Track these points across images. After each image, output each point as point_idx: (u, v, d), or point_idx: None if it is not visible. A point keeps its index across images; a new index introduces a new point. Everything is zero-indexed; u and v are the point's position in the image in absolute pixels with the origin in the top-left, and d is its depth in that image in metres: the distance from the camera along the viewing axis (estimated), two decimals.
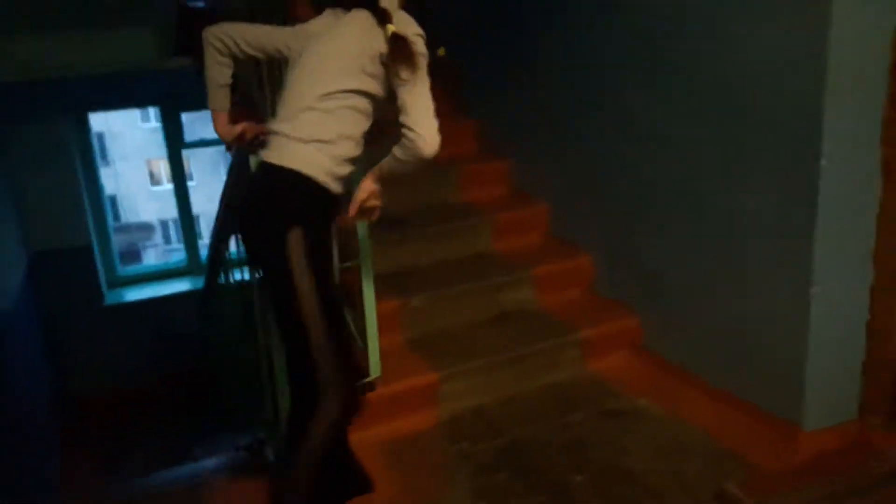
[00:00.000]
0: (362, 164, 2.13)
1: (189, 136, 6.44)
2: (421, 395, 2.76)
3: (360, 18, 1.94)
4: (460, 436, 2.68)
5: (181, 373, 5.83)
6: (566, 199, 3.51)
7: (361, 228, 2.48)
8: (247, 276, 2.76)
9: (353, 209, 2.09)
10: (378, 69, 1.92)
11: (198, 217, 7.00)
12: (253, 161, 2.31)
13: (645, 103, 2.85)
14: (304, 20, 2.11)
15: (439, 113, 1.88)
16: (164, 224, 21.95)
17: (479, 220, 3.55)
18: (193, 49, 2.22)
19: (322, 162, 1.91)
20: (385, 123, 1.99)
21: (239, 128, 2.24)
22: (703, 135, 2.57)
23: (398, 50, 1.86)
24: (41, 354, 5.27)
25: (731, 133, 2.44)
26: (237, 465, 3.23)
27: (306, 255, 1.89)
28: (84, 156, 6.00)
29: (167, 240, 21.95)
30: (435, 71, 1.95)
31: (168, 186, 6.48)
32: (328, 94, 1.90)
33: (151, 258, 20.71)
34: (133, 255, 20.10)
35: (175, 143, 6.23)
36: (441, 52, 1.94)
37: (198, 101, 2.19)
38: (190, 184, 6.54)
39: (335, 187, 1.97)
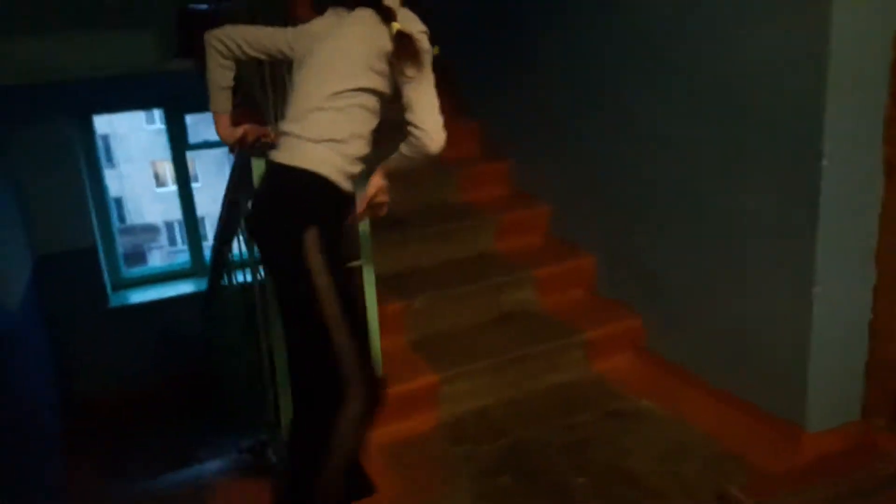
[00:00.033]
0: (369, 162, 2.13)
1: (193, 137, 6.45)
2: (423, 397, 2.76)
3: (365, 17, 1.94)
4: (462, 437, 2.68)
5: (185, 375, 5.84)
6: (567, 200, 3.50)
7: (363, 227, 2.48)
8: (249, 278, 2.76)
9: (362, 205, 2.11)
10: (384, 67, 1.92)
11: (202, 219, 7.03)
12: (255, 163, 2.32)
13: (645, 103, 2.85)
14: (305, 20, 2.11)
15: (440, 113, 1.89)
16: (169, 225, 22.00)
17: (480, 220, 3.54)
18: (195, 51, 2.22)
19: (335, 161, 1.92)
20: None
21: (240, 130, 2.25)
22: (704, 134, 2.57)
23: (403, 47, 1.86)
24: (46, 356, 5.29)
25: (732, 133, 2.44)
26: (240, 468, 3.24)
27: (323, 255, 1.89)
28: (88, 158, 6.02)
29: (172, 241, 22.00)
30: (434, 71, 1.95)
31: (173, 188, 6.48)
32: (338, 93, 1.90)
33: (157, 260, 20.76)
34: (138, 256, 20.16)
35: (179, 144, 6.25)
36: (435, 50, 1.94)
37: (201, 103, 2.19)
38: (195, 185, 6.56)
39: (347, 186, 1.98)
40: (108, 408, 5.83)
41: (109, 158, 20.69)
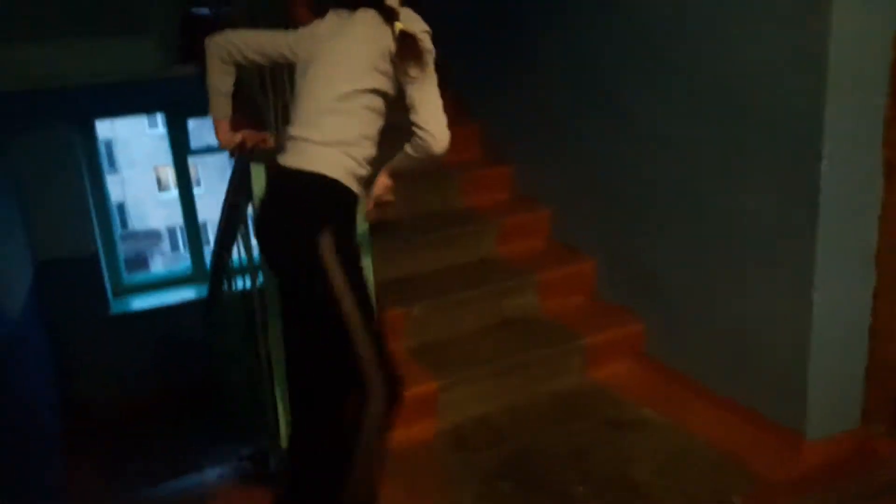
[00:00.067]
0: (373, 163, 2.13)
1: (196, 142, 6.45)
2: (423, 404, 2.74)
3: (368, 17, 1.93)
4: (463, 444, 2.66)
5: (186, 381, 5.83)
6: (568, 203, 3.49)
7: (362, 230, 2.47)
8: (249, 284, 2.75)
9: (370, 205, 2.12)
10: (388, 67, 1.92)
11: (205, 224, 7.02)
12: (254, 168, 2.31)
13: (645, 105, 2.84)
14: (304, 23, 2.11)
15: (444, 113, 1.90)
16: (171, 231, 22.03)
17: (481, 225, 3.53)
18: (197, 56, 2.22)
19: (346, 164, 1.92)
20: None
21: (239, 136, 2.24)
22: (704, 135, 2.56)
23: (407, 48, 1.86)
24: (47, 363, 5.29)
25: (732, 134, 2.43)
26: (241, 475, 3.23)
27: (338, 256, 1.89)
28: (90, 163, 6.02)
29: (175, 247, 22.03)
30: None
31: (176, 193, 6.49)
32: (345, 95, 1.90)
33: (159, 265, 20.79)
34: (141, 262, 20.19)
35: (181, 149, 6.25)
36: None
37: (203, 108, 2.19)
38: (197, 190, 6.56)
39: (356, 188, 1.98)
40: (108, 414, 5.82)
41: (112, 163, 20.74)
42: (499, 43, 3.83)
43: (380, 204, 2.13)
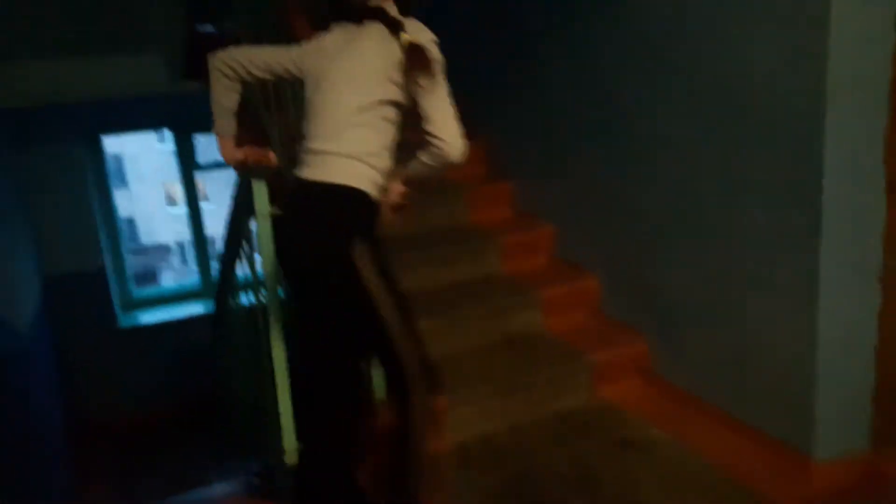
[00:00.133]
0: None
1: (204, 157, 6.49)
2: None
3: (375, 30, 1.94)
4: (467, 464, 2.63)
5: (194, 396, 5.84)
6: (571, 220, 3.48)
7: None
8: (253, 300, 2.75)
9: (389, 212, 2.13)
10: (400, 78, 1.92)
11: (213, 239, 7.03)
12: (255, 185, 2.31)
13: (648, 124, 2.83)
14: (302, 38, 2.12)
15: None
16: (181, 246, 22.11)
17: (484, 242, 3.51)
18: (202, 73, 2.22)
19: (369, 175, 1.94)
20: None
21: (241, 153, 2.24)
22: (706, 153, 2.55)
23: (415, 58, 1.87)
24: (56, 377, 5.30)
25: (735, 153, 2.42)
26: (249, 490, 3.22)
27: (373, 265, 1.92)
28: (98, 178, 6.06)
29: (184, 261, 22.11)
30: None
31: (187, 207, 6.53)
32: (364, 108, 1.91)
33: (169, 280, 20.86)
34: (150, 276, 20.26)
35: (188, 165, 6.29)
36: None
37: (209, 124, 2.19)
38: (206, 205, 6.59)
39: (377, 197, 1.99)
40: (118, 429, 5.84)
41: (121, 179, 20.86)
42: (502, 57, 3.85)
43: (397, 210, 2.14)
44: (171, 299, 6.63)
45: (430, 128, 1.89)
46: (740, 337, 2.53)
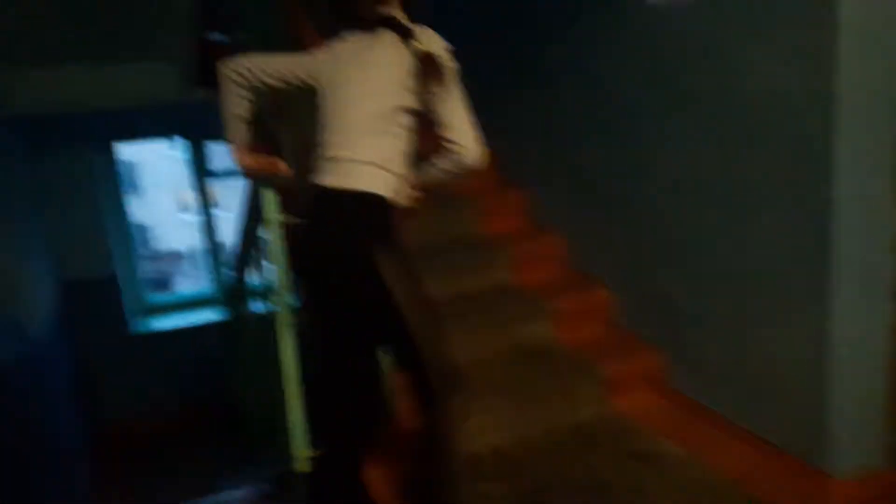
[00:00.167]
0: None
1: (216, 165, 6.53)
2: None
3: (388, 38, 1.95)
4: (479, 475, 2.60)
5: (208, 401, 5.87)
6: (585, 232, 3.44)
7: None
8: (267, 307, 2.76)
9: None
10: (414, 85, 1.94)
11: (224, 246, 7.08)
12: (265, 193, 2.33)
13: (662, 137, 2.80)
14: (310, 46, 2.13)
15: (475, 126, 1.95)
16: (195, 252, 22.23)
17: (495, 253, 3.49)
18: (213, 82, 2.23)
19: (390, 181, 1.95)
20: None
21: (254, 161, 2.25)
22: (718, 167, 2.53)
23: (427, 67, 1.89)
24: (72, 383, 5.34)
25: (747, 169, 2.39)
26: (263, 496, 3.23)
27: (397, 270, 1.92)
28: (112, 186, 6.13)
29: (198, 268, 22.22)
30: None
31: (201, 214, 6.58)
32: (383, 115, 1.92)
33: (183, 286, 20.96)
34: (164, 283, 20.37)
35: (200, 172, 6.34)
36: None
37: (221, 132, 2.20)
38: (219, 212, 6.62)
39: (396, 202, 2.01)
40: (131, 432, 5.89)
41: (136, 185, 21.00)
42: (514, 69, 3.84)
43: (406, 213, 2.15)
44: (185, 305, 6.69)
45: (447, 134, 1.91)
46: (755, 352, 2.49)
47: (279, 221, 2.37)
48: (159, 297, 6.98)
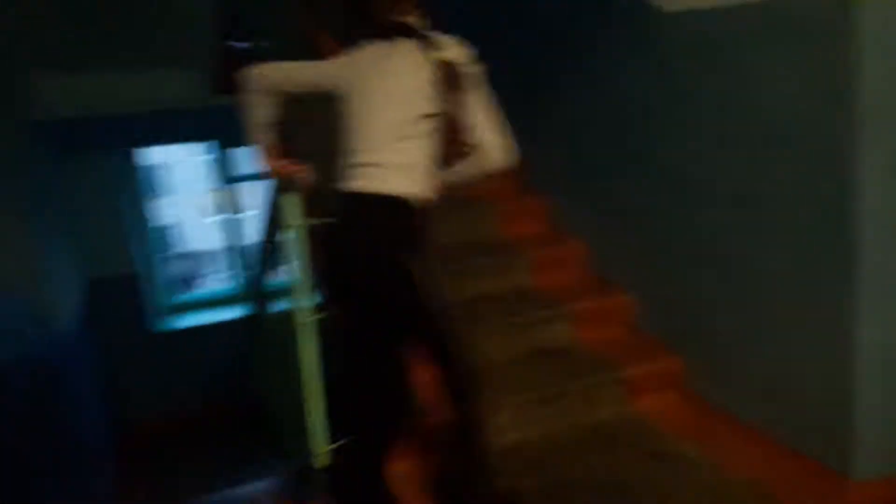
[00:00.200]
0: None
1: (241, 169, 6.64)
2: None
3: (406, 46, 2.00)
4: (501, 472, 2.58)
5: (232, 398, 5.95)
6: (606, 237, 3.45)
7: None
8: (288, 305, 2.82)
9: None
10: (436, 91, 1.98)
11: (249, 246, 7.17)
12: (285, 198, 2.39)
13: (684, 146, 2.81)
14: (328, 55, 2.16)
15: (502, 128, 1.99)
16: (220, 252, 22.41)
17: (516, 256, 3.51)
18: (235, 88, 2.30)
19: (420, 183, 2.00)
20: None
21: (279, 165, 2.29)
22: (743, 176, 2.52)
23: (447, 75, 1.94)
24: (97, 380, 5.42)
25: (772, 177, 2.39)
26: (284, 491, 3.28)
27: (429, 272, 1.99)
28: (138, 187, 6.23)
29: (223, 267, 22.39)
30: None
31: (223, 216, 6.69)
32: (412, 121, 1.97)
33: (208, 285, 21.14)
34: (190, 281, 20.56)
35: (225, 175, 6.45)
36: None
37: (245, 137, 2.26)
38: (245, 214, 6.73)
39: (426, 205, 2.05)
40: (155, 428, 5.97)
41: (164, 187, 21.23)
42: (535, 78, 3.85)
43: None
44: (210, 304, 6.79)
45: (475, 136, 1.96)
46: (777, 356, 2.49)
47: (300, 224, 2.44)
48: (184, 296, 7.08)
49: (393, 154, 1.97)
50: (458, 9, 2.76)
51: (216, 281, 21.35)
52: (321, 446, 2.50)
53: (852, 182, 2.07)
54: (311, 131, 2.92)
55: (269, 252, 3.03)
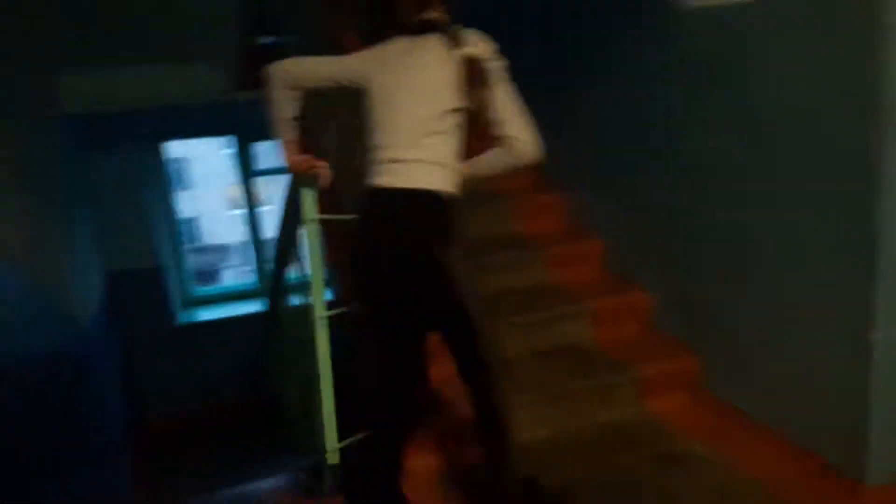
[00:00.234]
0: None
1: (263, 163, 6.68)
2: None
3: (434, 42, 2.00)
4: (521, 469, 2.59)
5: (249, 392, 5.99)
6: (625, 234, 3.43)
7: None
8: (304, 301, 2.83)
9: None
10: (462, 86, 1.98)
11: (268, 240, 7.21)
12: (304, 192, 2.39)
13: (704, 141, 2.79)
14: (352, 50, 2.16)
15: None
16: (241, 246, 22.58)
17: (533, 252, 3.51)
18: (258, 83, 2.30)
19: (449, 178, 2.00)
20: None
21: (301, 160, 2.28)
22: (764, 180, 2.51)
23: (472, 70, 1.95)
24: (117, 373, 5.47)
25: (794, 179, 2.38)
26: (297, 486, 3.29)
27: (460, 267, 1.98)
28: (161, 181, 6.30)
29: (243, 261, 22.56)
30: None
31: (245, 209, 6.74)
32: (440, 116, 1.97)
33: (229, 279, 21.31)
34: (211, 275, 20.75)
35: (247, 170, 6.49)
36: None
37: (265, 132, 2.27)
38: (266, 208, 6.78)
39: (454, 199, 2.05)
40: (172, 421, 6.02)
41: (187, 181, 21.44)
42: (556, 73, 3.84)
43: None
44: (229, 298, 6.84)
45: (501, 130, 1.97)
46: (794, 358, 2.48)
47: (318, 219, 2.44)
48: (205, 290, 7.14)
49: (418, 150, 1.97)
50: (480, 3, 2.74)
51: (236, 275, 21.55)
52: (333, 443, 2.49)
53: (877, 180, 2.05)
54: (334, 126, 2.93)
55: (287, 246, 3.03)
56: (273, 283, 3.62)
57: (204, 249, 22.07)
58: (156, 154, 6.24)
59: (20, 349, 3.11)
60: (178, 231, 6.68)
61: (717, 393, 2.89)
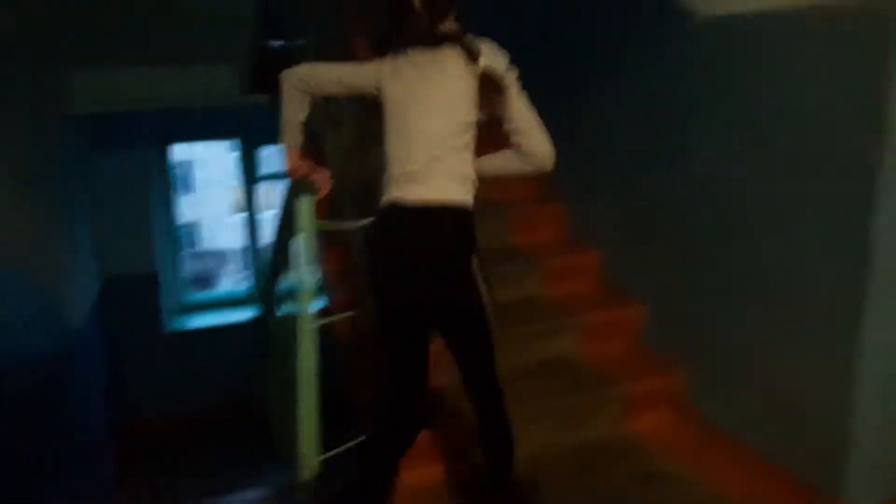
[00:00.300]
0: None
1: (267, 168, 6.66)
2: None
3: (451, 55, 1.99)
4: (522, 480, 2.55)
5: (236, 401, 5.93)
6: (621, 247, 3.43)
7: None
8: (293, 310, 2.79)
9: None
10: (479, 97, 1.99)
11: (265, 247, 7.17)
12: (302, 200, 2.36)
13: (704, 155, 2.80)
14: (363, 59, 2.15)
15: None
16: (238, 252, 22.57)
17: (528, 264, 3.49)
18: (270, 87, 2.29)
19: (468, 190, 2.02)
20: None
21: (304, 167, 2.28)
22: (764, 197, 2.51)
23: (489, 83, 1.96)
24: (104, 376, 5.44)
25: (794, 197, 2.39)
26: (281, 497, 3.25)
27: (478, 278, 2.03)
28: (162, 185, 6.28)
29: (241, 267, 22.55)
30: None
31: (246, 214, 6.71)
32: (457, 129, 1.98)
33: (227, 285, 21.28)
34: (208, 280, 20.72)
35: (250, 174, 6.47)
36: None
37: (272, 136, 2.25)
38: (265, 214, 6.74)
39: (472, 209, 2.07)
40: (158, 427, 5.97)
41: (189, 184, 21.44)
42: (556, 83, 3.80)
43: None
44: (223, 304, 6.79)
45: (520, 140, 1.99)
46: (779, 380, 2.49)
47: (314, 227, 2.40)
48: (198, 296, 7.09)
49: (441, 164, 1.97)
50: (490, 11, 2.73)
51: (233, 281, 21.52)
52: (311, 457, 2.43)
53: (872, 198, 2.06)
54: (338, 134, 2.90)
55: (281, 254, 3.00)
56: (266, 291, 3.58)
57: (203, 254, 22.06)
58: (159, 157, 6.22)
59: (20, 349, 3.08)
60: (177, 236, 6.64)
61: (700, 410, 2.91)
